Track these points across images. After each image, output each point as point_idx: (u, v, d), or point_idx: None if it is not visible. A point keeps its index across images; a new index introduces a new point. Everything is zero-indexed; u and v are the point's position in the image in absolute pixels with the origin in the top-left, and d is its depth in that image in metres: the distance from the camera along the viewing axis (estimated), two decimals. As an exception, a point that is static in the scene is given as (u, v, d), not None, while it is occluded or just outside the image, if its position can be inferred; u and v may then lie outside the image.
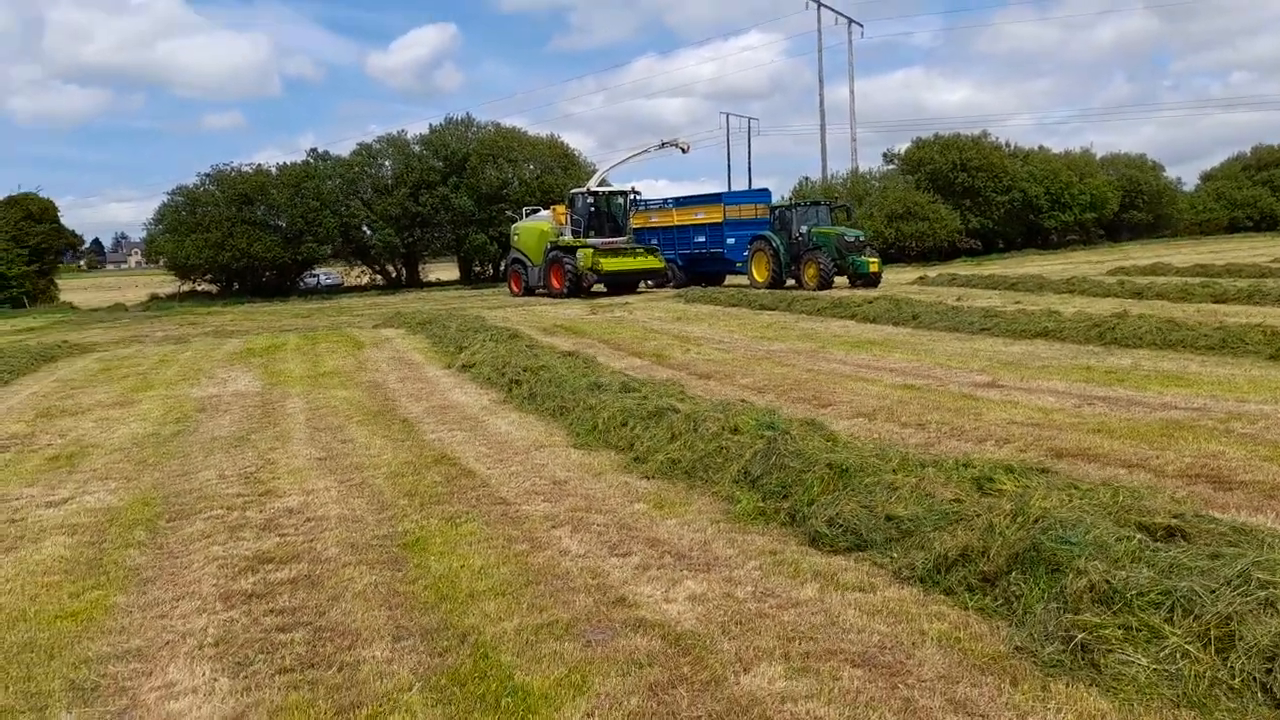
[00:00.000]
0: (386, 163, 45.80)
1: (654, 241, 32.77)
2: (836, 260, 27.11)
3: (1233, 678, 3.18)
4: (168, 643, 4.42)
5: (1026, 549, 4.07)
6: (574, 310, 25.34)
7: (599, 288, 30.52)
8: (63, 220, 42.61)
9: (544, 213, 33.04)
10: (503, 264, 49.41)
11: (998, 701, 3.39)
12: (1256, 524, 4.46)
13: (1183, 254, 39.59)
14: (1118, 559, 3.75)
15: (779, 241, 28.21)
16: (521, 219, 34.19)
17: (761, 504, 5.90)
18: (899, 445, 7.43)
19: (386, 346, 17.73)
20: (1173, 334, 12.66)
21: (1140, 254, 43.14)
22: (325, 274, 51.60)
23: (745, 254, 29.78)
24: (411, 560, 5.44)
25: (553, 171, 46.53)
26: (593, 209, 30.80)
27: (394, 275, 47.68)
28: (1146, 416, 8.22)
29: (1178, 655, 3.33)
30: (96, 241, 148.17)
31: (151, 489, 7.53)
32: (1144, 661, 3.36)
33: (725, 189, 47.50)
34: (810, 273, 27.20)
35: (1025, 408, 9.01)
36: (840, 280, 27.62)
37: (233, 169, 42.89)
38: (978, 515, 4.54)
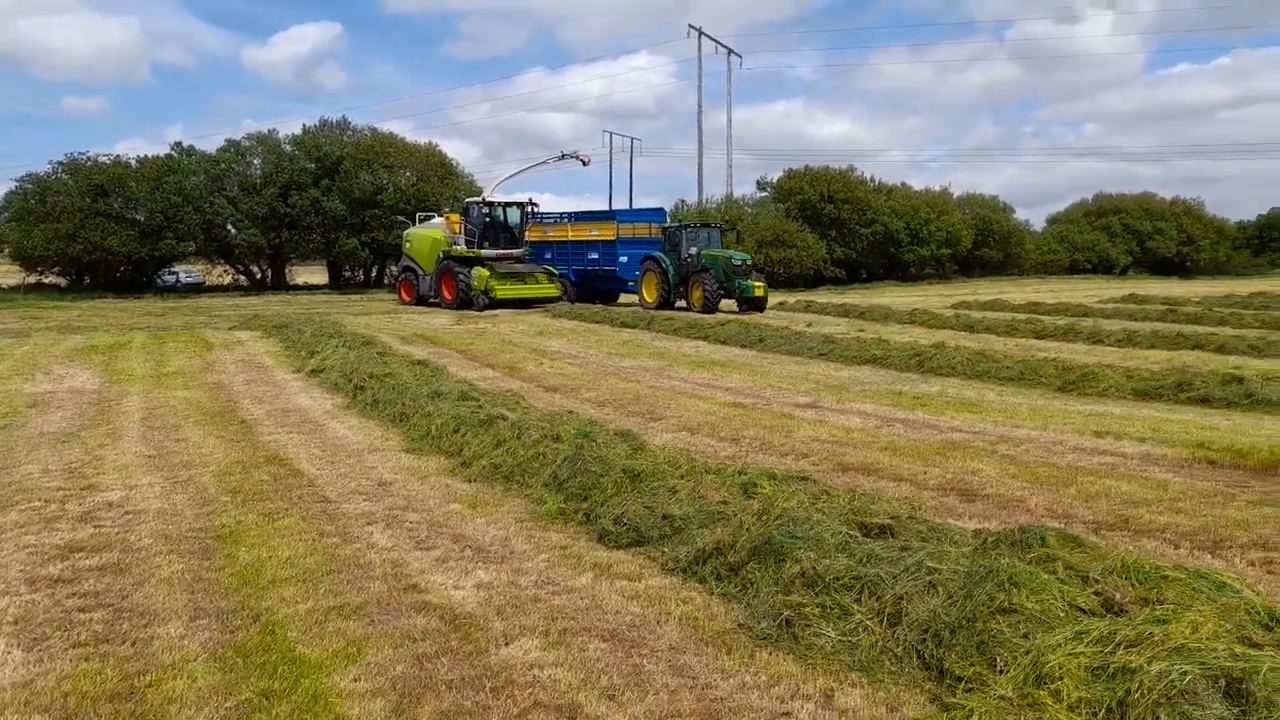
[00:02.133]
0: (255, 161, 44.62)
1: (548, 256, 32.55)
2: (723, 283, 26.94)
3: (897, 646, 3.86)
4: (-35, 622, 4.60)
5: (763, 542, 4.71)
6: (439, 320, 25.47)
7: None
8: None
9: (437, 220, 32.24)
10: (383, 271, 49.00)
11: (711, 666, 3.98)
12: (960, 525, 5.24)
13: (1024, 291, 42.38)
14: (827, 550, 4.42)
15: (669, 262, 28.13)
16: (414, 225, 33.24)
17: (564, 505, 6.42)
18: (709, 456, 8.10)
19: (238, 349, 17.56)
20: (980, 365, 13.86)
21: (987, 289, 45.94)
22: (186, 272, 49.69)
23: (638, 273, 29.66)
24: (222, 551, 5.73)
25: (429, 180, 46.27)
26: (488, 219, 30.17)
27: (259, 276, 46.40)
28: (931, 438, 9.14)
29: (859, 628, 4.00)
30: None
31: (-33, 481, 7.51)
32: (832, 634, 4.01)
33: (607, 207, 48.19)
34: (696, 295, 27.08)
35: (832, 427, 9.84)
36: (729, 304, 27.60)
37: (88, 158, 41.05)
38: (734, 515, 5.17)
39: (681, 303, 27.98)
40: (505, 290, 28.91)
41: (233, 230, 43.14)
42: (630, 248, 30.65)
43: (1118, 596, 3.70)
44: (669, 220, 32.73)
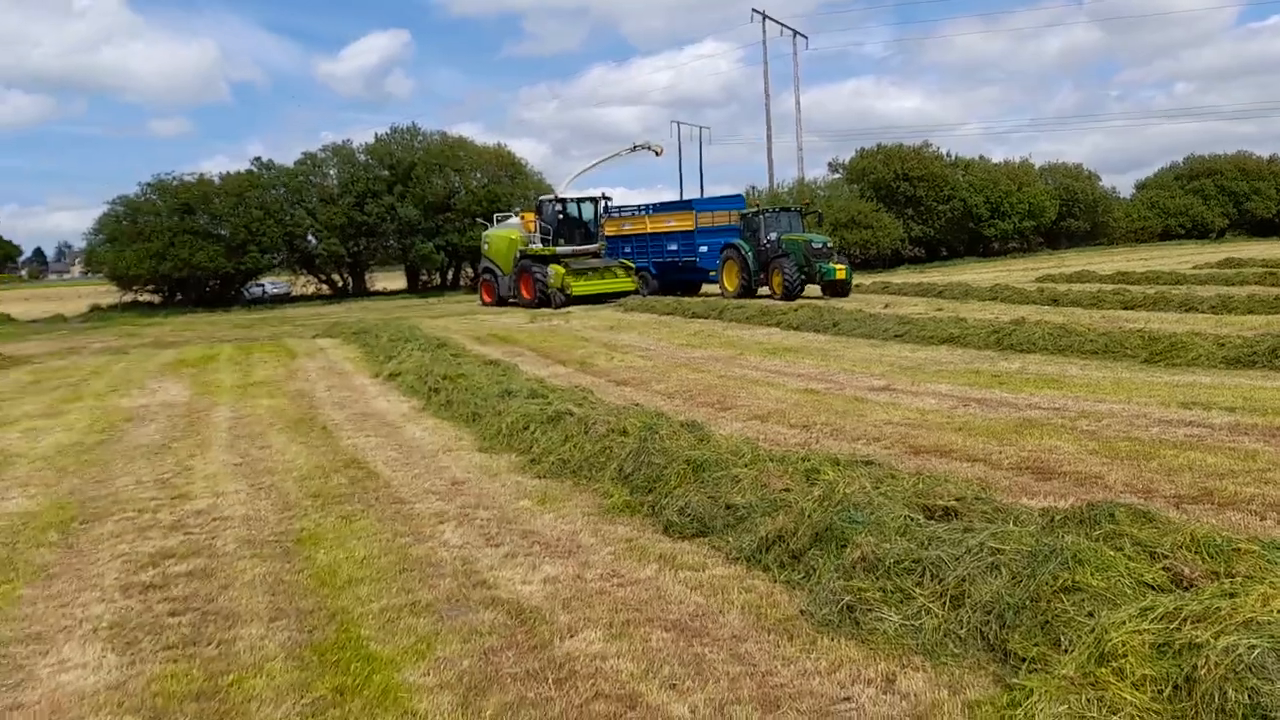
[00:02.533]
0: (332, 171, 45.91)
1: (627, 249, 32.19)
2: (804, 268, 25.97)
3: (960, 628, 3.80)
4: (65, 627, 4.87)
5: (824, 528, 4.69)
6: (513, 319, 25.82)
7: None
8: None
9: (514, 220, 32.23)
10: (459, 273, 49.88)
11: (772, 654, 3.98)
12: (1027, 505, 5.12)
13: (1114, 261, 40.95)
14: (887, 534, 4.38)
15: (748, 249, 27.22)
16: (492, 226, 33.39)
17: (630, 498, 6.47)
18: (779, 444, 8.06)
19: (320, 356, 18.09)
20: (1062, 340, 13.47)
21: (1075, 261, 44.51)
22: (272, 283, 51.44)
23: (718, 262, 28.76)
24: (302, 553, 5.93)
25: (500, 181, 46.91)
26: (560, 216, 30.02)
27: (340, 284, 47.70)
28: (1008, 416, 8.93)
29: (922, 612, 3.95)
30: (39, 251, 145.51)
31: (68, 494, 7.91)
32: (894, 618, 3.97)
33: (679, 197, 48.02)
34: (776, 281, 26.17)
35: (905, 409, 9.69)
36: (813, 289, 26.60)
37: (175, 178, 42.79)
38: (796, 502, 5.15)
39: (765, 290, 26.95)
40: (581, 286, 28.75)
41: (313, 240, 44.41)
42: (709, 237, 29.86)
43: (1186, 571, 3.59)
44: (747, 206, 31.65)
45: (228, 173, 44.26)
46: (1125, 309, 19.59)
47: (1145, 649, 3.11)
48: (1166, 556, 3.72)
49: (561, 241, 29.69)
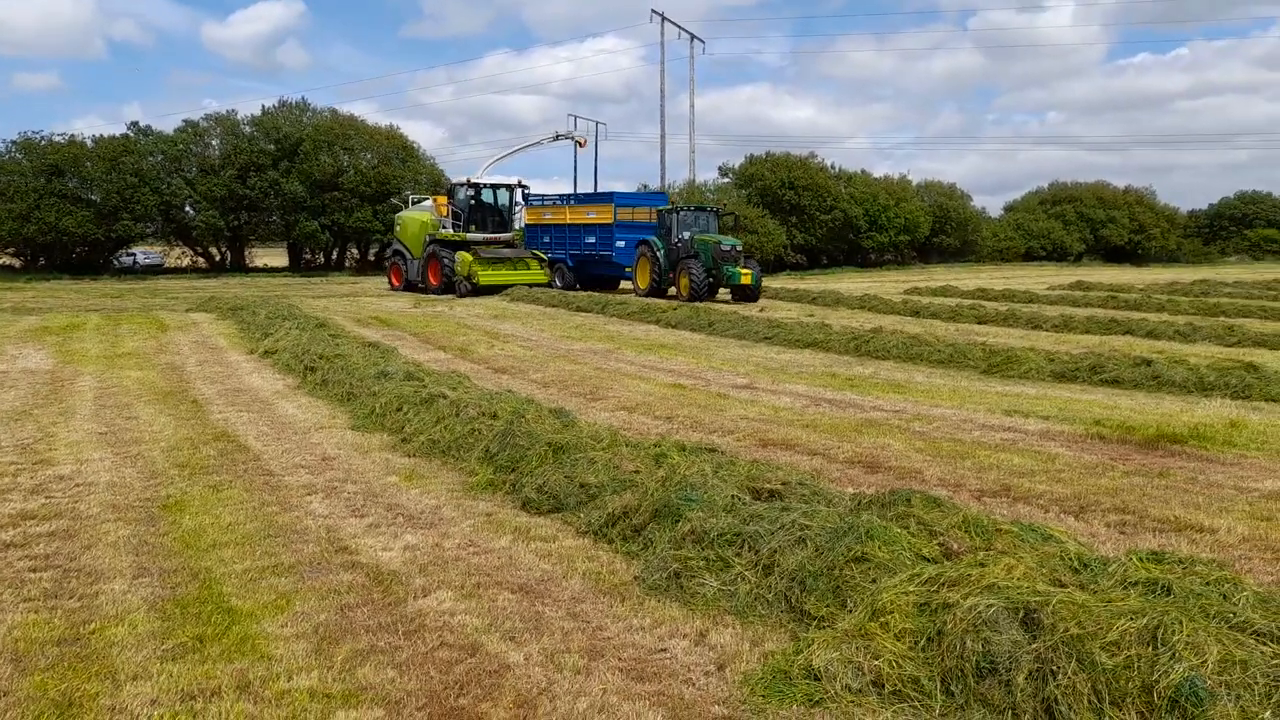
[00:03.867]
0: (214, 142, 44.38)
1: (545, 240, 31.41)
2: (711, 270, 25.45)
3: (769, 593, 4.34)
4: (-79, 582, 4.96)
5: (663, 505, 5.19)
6: (397, 304, 25.72)
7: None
8: None
9: (428, 203, 31.18)
10: (344, 253, 48.93)
11: (604, 613, 4.45)
12: (842, 491, 5.75)
13: (979, 278, 43.23)
14: (715, 511, 4.90)
15: (660, 246, 26.61)
16: (406, 208, 32.37)
17: (493, 476, 6.86)
18: (642, 434, 8.56)
19: (193, 330, 17.77)
20: (913, 349, 14.44)
21: (943, 276, 46.80)
22: (144, 253, 49.40)
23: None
24: (167, 518, 6.10)
25: (390, 162, 46.24)
26: (473, 201, 29.15)
27: (218, 259, 46.23)
28: (852, 416, 9.67)
29: (738, 578, 4.48)
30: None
31: (-79, 456, 7.79)
32: (714, 583, 4.49)
33: (570, 191, 48.07)
34: (683, 282, 25.47)
35: (762, 406, 10.34)
36: (724, 294, 26.27)
37: (43, 138, 40.68)
38: (642, 482, 5.64)
39: (673, 290, 26.28)
40: (489, 275, 27.97)
41: (191, 212, 42.91)
42: (628, 232, 29.07)
43: (955, 546, 4.22)
44: (670, 204, 30.65)
45: (101, 136, 42.35)
46: (978, 323, 20.97)
47: (909, 607, 3.69)
48: (941, 535, 4.34)
49: (473, 228, 28.97)
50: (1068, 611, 3.36)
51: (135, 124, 44.13)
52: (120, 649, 4.07)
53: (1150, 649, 3.13)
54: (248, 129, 44.93)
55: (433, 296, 27.74)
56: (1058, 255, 67.81)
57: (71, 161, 39.94)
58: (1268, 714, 2.85)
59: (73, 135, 41.76)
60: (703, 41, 67.20)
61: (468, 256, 27.88)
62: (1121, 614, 3.32)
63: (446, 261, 28.21)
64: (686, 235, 26.37)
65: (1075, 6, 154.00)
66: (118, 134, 42.93)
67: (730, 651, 3.99)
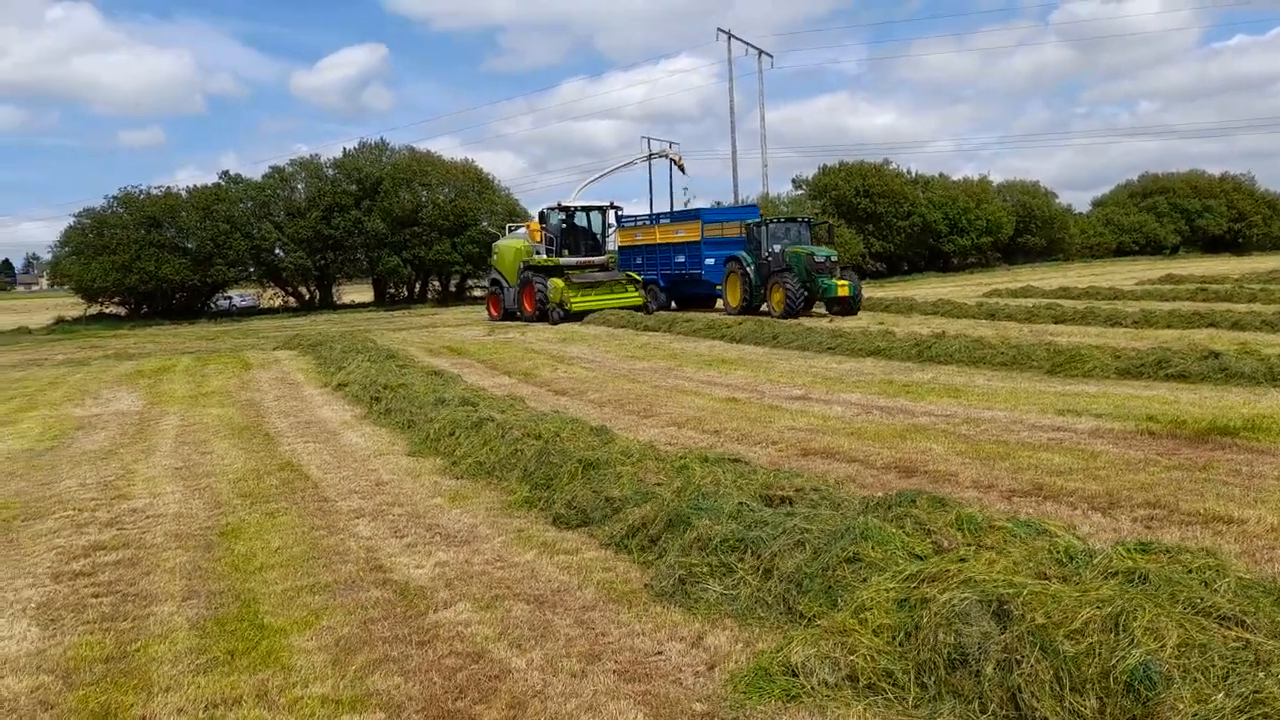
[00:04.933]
0: (299, 185, 46.31)
1: (638, 261, 31.08)
2: (805, 283, 24.33)
3: (769, 595, 4.44)
4: (-2, 608, 5.41)
5: (676, 515, 5.32)
6: (471, 332, 26.36)
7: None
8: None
9: (522, 230, 30.89)
10: (425, 286, 50.33)
11: (610, 619, 4.61)
12: (855, 493, 5.79)
13: (1064, 277, 42.08)
14: (721, 518, 5.02)
15: (750, 261, 25.70)
16: (504, 236, 32.19)
17: (530, 494, 7.08)
18: (687, 447, 8.69)
19: (274, 367, 18.57)
20: (976, 352, 14.23)
21: (1027, 276, 45.64)
22: (240, 296, 51.72)
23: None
24: (223, 545, 6.49)
25: (467, 195, 47.49)
26: (565, 225, 28.63)
27: (307, 297, 48.07)
28: (901, 422, 9.62)
29: (740, 583, 4.59)
30: (6, 262, 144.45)
31: (13, 495, 8.41)
32: (717, 588, 4.61)
33: (648, 212, 48.27)
34: (776, 297, 24.44)
35: (812, 416, 10.36)
36: (819, 309, 25.25)
37: (141, 191, 43.10)
38: (661, 493, 5.78)
39: (766, 306, 25.31)
40: (582, 301, 27.43)
41: (280, 254, 44.74)
42: (717, 248, 28.48)
43: (946, 544, 4.25)
44: (760, 218, 29.30)
45: (194, 186, 44.63)
46: (1055, 323, 20.47)
47: (889, 603, 3.76)
48: (935, 533, 4.37)
49: (566, 252, 28.44)
50: (1037, 602, 3.39)
51: (226, 173, 46.38)
52: (159, 664, 4.39)
53: (1112, 635, 3.15)
54: (330, 171, 46.73)
55: (522, 324, 27.89)
56: (1152, 249, 65.53)
57: (168, 212, 42.14)
58: (1220, 695, 2.84)
59: (169, 187, 44.09)
60: (771, 56, 67.21)
61: (560, 282, 27.32)
62: (1090, 603, 3.33)
63: (540, 288, 27.68)
64: (777, 248, 25.36)
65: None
66: (210, 183, 45.14)
67: (723, 652, 4.11)
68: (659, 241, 30.78)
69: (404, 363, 15.98)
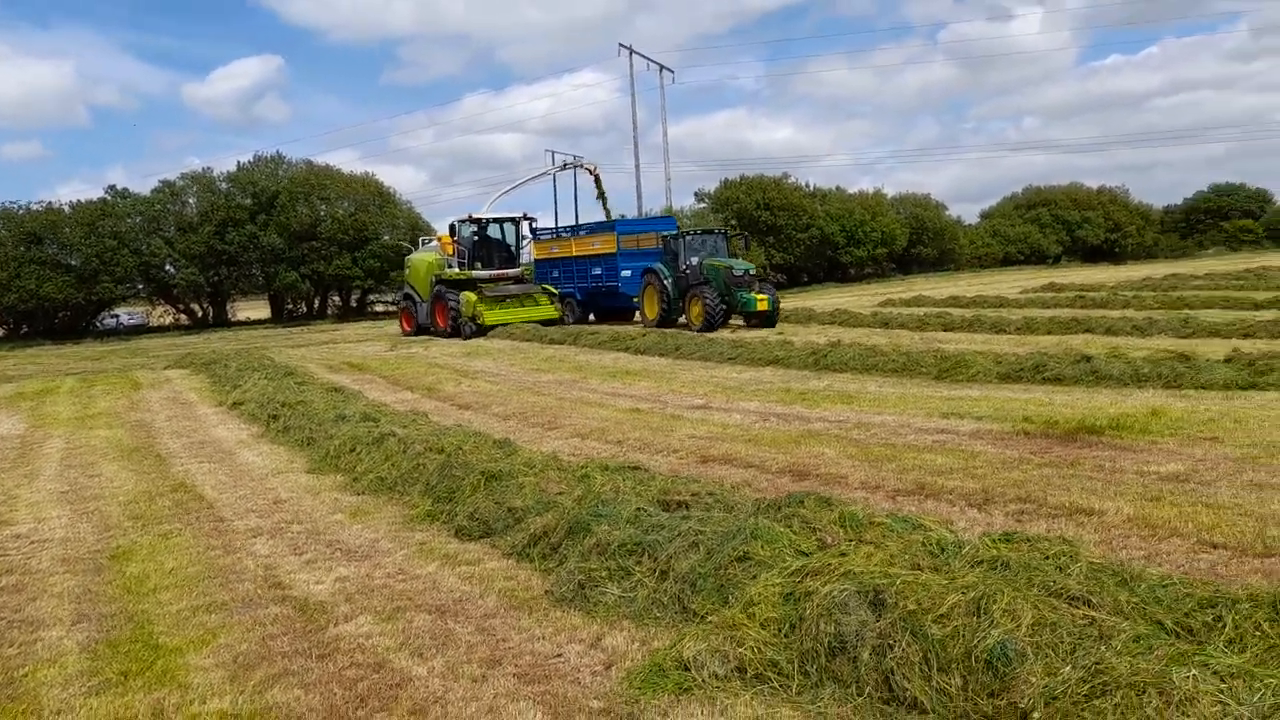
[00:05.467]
0: (191, 200, 44.88)
1: (554, 274, 30.46)
2: (724, 296, 23.95)
3: (664, 596, 4.61)
4: None
5: (576, 522, 5.46)
6: (373, 348, 25.98)
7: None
8: None
9: (435, 243, 29.92)
10: (325, 302, 49.31)
11: (511, 626, 4.71)
12: (747, 496, 6.03)
13: (955, 286, 43.75)
14: (619, 524, 5.17)
15: (667, 274, 25.23)
16: (416, 250, 31.43)
17: (432, 508, 7.12)
18: (590, 458, 8.82)
19: (165, 387, 18.02)
20: (869, 359, 14.74)
21: (920, 286, 47.26)
22: (128, 314, 49.83)
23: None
24: (114, 568, 6.35)
25: (367, 209, 46.77)
26: (476, 238, 27.93)
27: (200, 315, 46.60)
28: (796, 428, 9.94)
29: (637, 585, 4.75)
30: None
31: (-116, 524, 8.02)
32: (615, 591, 4.76)
33: (553, 225, 48.03)
34: (694, 310, 23.93)
35: (712, 424, 10.61)
36: (737, 320, 24.63)
37: (20, 207, 41.18)
38: (562, 502, 5.90)
39: (684, 319, 24.81)
40: (495, 314, 26.94)
41: (171, 270, 43.28)
42: (633, 260, 27.95)
43: (829, 540, 4.49)
44: (679, 229, 28.90)
45: (79, 201, 42.85)
46: (944, 330, 21.32)
47: (775, 598, 3.96)
48: (819, 530, 4.61)
49: (479, 265, 27.79)
50: (909, 591, 3.63)
51: (112, 187, 44.66)
52: (49, 688, 4.31)
53: (974, 618, 3.41)
54: (224, 185, 45.49)
55: (426, 339, 27.53)
56: (1036, 259, 68.47)
57: (49, 228, 40.37)
58: (1067, 668, 3.12)
59: (49, 202, 42.28)
60: (672, 71, 68.16)
61: (472, 296, 26.82)
62: (956, 589, 3.59)
63: (452, 302, 27.07)
64: (695, 261, 24.86)
65: (1044, 13, 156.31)
66: (95, 198, 43.45)
67: (620, 652, 4.25)
68: (575, 254, 30.28)
69: (303, 380, 15.72)
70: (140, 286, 44.42)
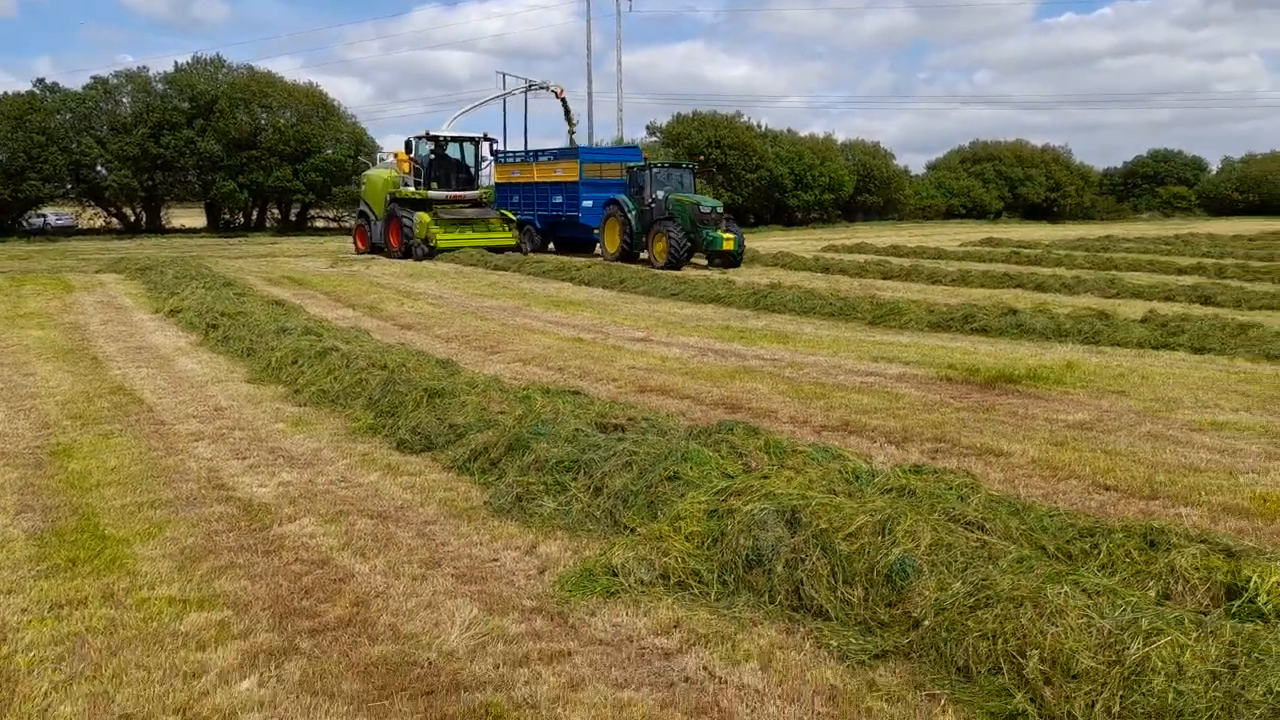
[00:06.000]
0: (125, 99, 43.20)
1: (515, 200, 29.35)
2: (690, 234, 23.24)
3: (598, 510, 4.89)
4: None
5: (516, 439, 5.69)
6: (314, 264, 25.67)
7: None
8: None
9: (392, 160, 28.73)
10: (264, 213, 48.21)
11: (450, 531, 4.96)
12: (680, 423, 6.32)
13: (897, 235, 44.36)
14: (557, 442, 5.43)
15: (632, 207, 24.38)
16: (374, 165, 30.43)
17: (374, 421, 7.28)
18: (531, 382, 9.04)
19: (99, 291, 17.70)
20: (807, 302, 15.12)
21: (865, 233, 47.84)
22: (55, 215, 48.12)
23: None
24: (55, 463, 6.43)
25: (310, 120, 45.56)
26: (433, 156, 26.83)
27: (133, 220, 45.24)
28: (732, 364, 10.26)
29: (572, 500, 5.02)
30: None
31: None
32: (551, 504, 5.03)
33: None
34: (659, 247, 23.19)
35: (651, 356, 10.88)
36: (699, 259, 24.27)
37: (-59, 95, 39.31)
38: (503, 421, 6.13)
39: (646, 255, 24.11)
40: (449, 238, 26.10)
41: (102, 171, 41.85)
42: (596, 191, 27.00)
43: (754, 465, 4.80)
44: (644, 160, 27.71)
45: (5, 94, 40.96)
46: (883, 278, 21.79)
47: (700, 514, 4.26)
48: (745, 456, 4.92)
49: (435, 186, 26.75)
50: (823, 511, 3.95)
51: (41, 80, 42.74)
52: (-3, 572, 4.45)
53: (879, 538, 3.74)
54: (160, 86, 43.82)
55: (367, 258, 27.15)
56: (978, 213, 69.53)
57: (-27, 120, 38.66)
58: (957, 584, 3.47)
59: (-30, 93, 40.39)
60: (629, -1, 66.96)
61: (426, 217, 25.96)
62: (865, 511, 3.92)
63: (406, 222, 26.21)
64: (661, 195, 24.03)
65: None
66: (23, 91, 41.61)
67: (554, 559, 4.53)
68: (536, 180, 29.10)
69: (242, 291, 15.59)
70: (69, 186, 42.92)
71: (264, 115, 44.47)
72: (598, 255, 26.05)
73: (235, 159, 42.92)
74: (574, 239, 28.83)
